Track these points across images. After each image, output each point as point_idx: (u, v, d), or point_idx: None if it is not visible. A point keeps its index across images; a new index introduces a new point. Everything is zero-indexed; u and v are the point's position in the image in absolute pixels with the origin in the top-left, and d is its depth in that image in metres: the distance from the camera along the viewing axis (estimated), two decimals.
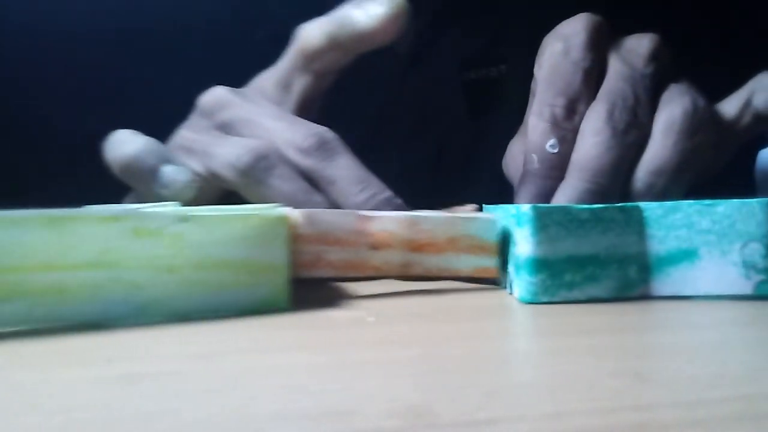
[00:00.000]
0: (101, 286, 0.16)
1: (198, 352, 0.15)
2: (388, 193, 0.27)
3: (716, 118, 0.29)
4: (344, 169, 0.27)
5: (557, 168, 0.25)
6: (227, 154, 0.27)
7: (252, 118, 0.28)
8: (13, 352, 0.15)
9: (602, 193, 0.25)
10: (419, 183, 0.36)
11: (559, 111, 0.26)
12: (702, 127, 0.27)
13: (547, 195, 0.25)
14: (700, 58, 0.31)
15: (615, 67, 0.27)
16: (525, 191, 0.26)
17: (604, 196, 0.24)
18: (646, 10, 0.33)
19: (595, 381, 0.12)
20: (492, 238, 0.21)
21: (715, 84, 0.29)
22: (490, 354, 0.15)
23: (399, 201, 0.27)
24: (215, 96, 0.30)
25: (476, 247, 0.21)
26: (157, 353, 0.15)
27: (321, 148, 0.27)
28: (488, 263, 0.21)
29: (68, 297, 0.16)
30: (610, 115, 0.25)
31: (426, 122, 0.43)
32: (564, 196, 0.25)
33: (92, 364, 0.14)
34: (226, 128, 0.29)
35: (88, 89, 0.38)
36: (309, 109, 0.31)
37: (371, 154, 0.28)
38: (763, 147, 0.33)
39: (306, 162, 0.27)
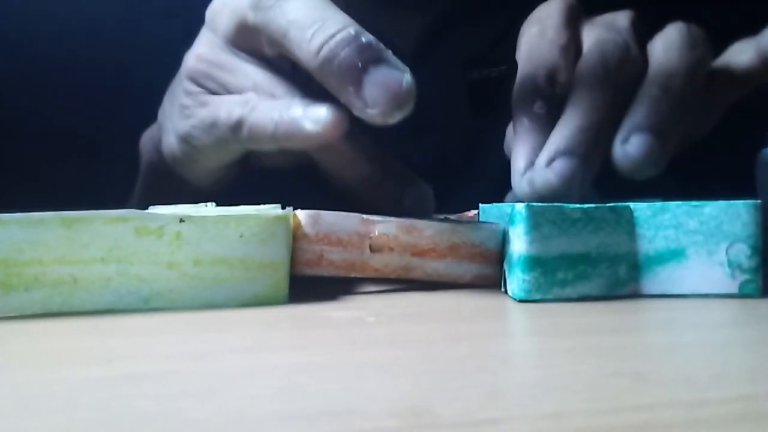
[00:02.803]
0: (110, 279, 0.18)
1: (198, 352, 0.15)
2: (350, 29, 0.22)
3: (711, 46, 0.29)
4: (293, 13, 0.22)
5: (547, 126, 0.25)
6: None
7: None
8: (13, 352, 0.15)
9: (597, 140, 0.24)
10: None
11: (540, 79, 0.26)
12: (701, 43, 0.27)
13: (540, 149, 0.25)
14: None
15: (595, 33, 0.28)
16: (521, 148, 0.25)
17: (599, 141, 0.24)
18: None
19: (595, 381, 0.12)
20: (494, 246, 0.21)
21: None
22: (490, 354, 0.15)
23: (369, 39, 0.22)
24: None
25: (478, 255, 0.21)
26: (157, 353, 0.15)
27: None
28: (489, 271, 0.21)
29: (81, 288, 0.18)
30: (603, 58, 0.26)
31: (429, 121, 0.43)
32: (552, 146, 0.24)
33: (92, 364, 0.14)
34: None
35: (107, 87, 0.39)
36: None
37: None
38: (764, 147, 0.33)
39: (257, 19, 0.23)
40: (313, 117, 0.24)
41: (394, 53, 0.26)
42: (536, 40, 0.27)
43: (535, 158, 0.24)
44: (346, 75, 0.22)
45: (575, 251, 0.20)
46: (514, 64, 0.33)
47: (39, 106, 0.38)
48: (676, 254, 0.20)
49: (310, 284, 0.21)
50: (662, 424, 0.10)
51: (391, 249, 0.21)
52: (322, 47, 0.22)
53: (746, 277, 0.20)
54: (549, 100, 0.26)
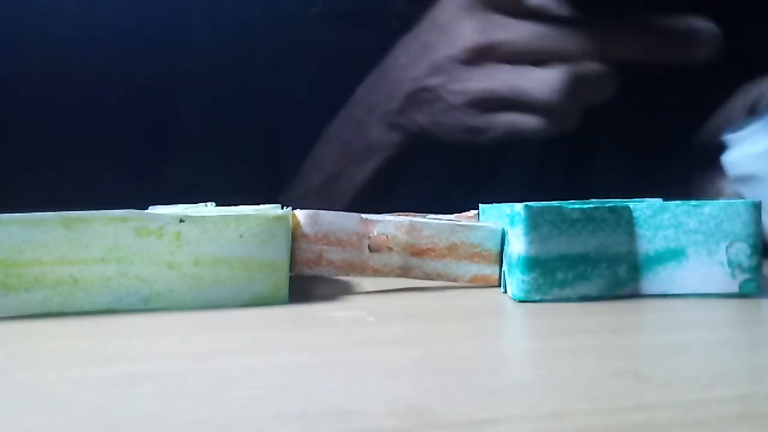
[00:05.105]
0: (110, 279, 0.18)
1: (198, 352, 0.15)
2: None
3: None
4: None
5: None
6: None
7: None
8: (13, 352, 0.15)
9: None
10: (428, 185, 0.36)
11: None
12: None
13: None
14: None
15: None
16: None
17: None
18: None
19: (595, 381, 0.12)
20: (493, 246, 0.21)
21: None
22: (490, 354, 0.15)
23: None
24: None
25: (476, 255, 0.21)
26: (157, 353, 0.15)
27: None
28: (488, 271, 0.21)
29: (81, 288, 0.18)
30: None
31: None
32: None
33: (92, 364, 0.14)
34: None
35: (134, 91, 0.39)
36: None
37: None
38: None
39: None
40: None
41: None
42: None
43: None
44: None
45: (575, 252, 0.20)
46: None
47: (40, 106, 0.38)
48: (676, 254, 0.20)
49: (310, 284, 0.21)
50: (662, 423, 0.10)
51: (390, 249, 0.21)
52: None
53: (746, 276, 0.20)
54: None
